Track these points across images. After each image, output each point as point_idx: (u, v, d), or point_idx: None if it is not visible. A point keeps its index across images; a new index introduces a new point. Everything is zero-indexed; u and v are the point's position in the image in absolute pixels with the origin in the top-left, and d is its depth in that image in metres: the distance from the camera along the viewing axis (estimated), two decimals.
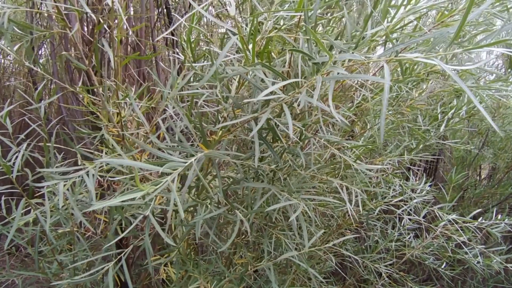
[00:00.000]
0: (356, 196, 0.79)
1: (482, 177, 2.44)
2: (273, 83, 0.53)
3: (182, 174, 0.57)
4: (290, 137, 0.75)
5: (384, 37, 0.61)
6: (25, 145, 0.96)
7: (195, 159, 0.52)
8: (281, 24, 0.66)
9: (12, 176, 0.91)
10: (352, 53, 0.50)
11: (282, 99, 0.53)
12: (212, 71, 0.53)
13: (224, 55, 0.52)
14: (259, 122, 0.52)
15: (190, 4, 1.85)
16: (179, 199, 0.49)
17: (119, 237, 0.68)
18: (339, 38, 0.71)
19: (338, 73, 0.49)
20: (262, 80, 0.60)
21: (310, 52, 0.52)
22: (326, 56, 0.50)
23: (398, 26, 0.63)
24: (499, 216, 1.51)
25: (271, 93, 0.49)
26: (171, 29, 1.49)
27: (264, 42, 0.60)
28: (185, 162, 0.50)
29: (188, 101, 0.90)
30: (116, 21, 0.86)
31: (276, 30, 0.62)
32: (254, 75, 0.60)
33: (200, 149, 0.59)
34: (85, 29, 1.62)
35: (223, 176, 0.81)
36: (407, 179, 1.53)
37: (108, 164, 0.97)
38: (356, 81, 1.04)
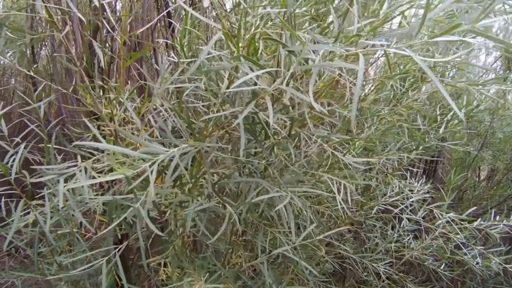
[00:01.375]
0: (349, 192, 0.79)
1: (481, 178, 2.44)
2: (258, 76, 0.54)
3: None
4: (280, 132, 0.75)
5: (370, 33, 0.62)
6: (23, 146, 0.96)
7: (178, 149, 0.52)
8: (270, 23, 0.67)
9: (10, 178, 0.91)
10: (332, 45, 0.51)
11: (265, 91, 0.54)
12: (196, 64, 0.54)
13: (209, 51, 0.53)
14: (244, 111, 0.53)
15: (190, 6, 1.86)
16: (162, 190, 0.49)
17: (116, 222, 0.69)
18: (325, 34, 0.72)
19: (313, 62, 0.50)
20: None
21: (291, 44, 0.52)
22: (301, 45, 0.50)
23: (384, 22, 0.64)
24: (498, 218, 1.51)
25: (255, 85, 0.50)
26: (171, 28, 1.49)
27: (250, 37, 0.61)
28: (168, 151, 0.51)
29: (177, 97, 0.91)
30: (119, 23, 0.86)
31: (261, 27, 0.63)
32: (241, 71, 0.61)
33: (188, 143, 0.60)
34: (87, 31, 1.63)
35: (214, 172, 0.82)
36: (406, 180, 1.53)
37: (109, 165, 0.97)
38: (349, 79, 1.04)
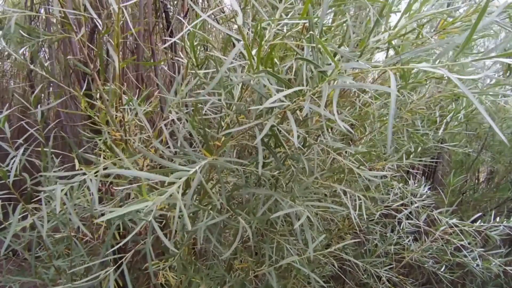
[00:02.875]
0: (360, 202, 0.78)
1: (481, 180, 2.44)
2: (278, 90, 0.52)
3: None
4: (293, 143, 0.75)
5: (385, 44, 0.61)
6: (21, 149, 0.95)
7: (199, 167, 0.51)
8: (285, 30, 0.66)
9: (8, 181, 0.90)
10: (357, 61, 0.50)
11: (286, 106, 0.53)
12: (217, 79, 0.53)
13: (230, 63, 0.52)
14: (263, 128, 0.52)
15: (188, 9, 1.85)
16: (183, 206, 0.48)
17: (118, 245, 0.68)
18: (342, 44, 0.71)
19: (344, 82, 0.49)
20: (266, 86, 0.60)
21: (316, 60, 0.52)
22: (332, 64, 0.49)
23: (400, 33, 0.63)
24: (498, 219, 1.50)
25: (276, 100, 0.49)
26: (175, 38, 1.49)
27: (267, 49, 0.60)
28: (189, 170, 0.50)
29: (190, 106, 0.90)
30: (113, 24, 0.85)
31: (281, 37, 0.62)
32: (258, 81, 0.59)
33: (203, 156, 0.58)
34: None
35: (225, 182, 0.81)
36: (406, 182, 1.53)
37: (106, 168, 0.96)
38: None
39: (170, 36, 1.74)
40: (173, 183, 0.48)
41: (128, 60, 0.94)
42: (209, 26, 2.07)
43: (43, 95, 2.27)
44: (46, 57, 2.27)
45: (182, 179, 0.47)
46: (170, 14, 1.84)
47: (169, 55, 1.74)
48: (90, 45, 1.24)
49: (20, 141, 1.03)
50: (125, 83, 1.67)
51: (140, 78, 1.77)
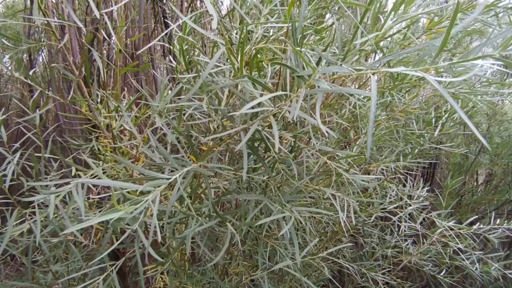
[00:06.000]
0: (349, 206, 0.78)
1: (479, 182, 2.43)
2: (262, 95, 0.53)
3: (174, 184, 0.57)
4: (281, 147, 0.75)
5: (372, 46, 0.61)
6: (18, 154, 0.95)
7: (180, 175, 0.51)
8: (271, 33, 0.66)
9: (4, 186, 0.91)
10: (340, 64, 0.50)
11: (270, 111, 0.53)
12: (198, 84, 0.53)
13: (212, 67, 0.53)
14: (248, 133, 0.52)
15: (187, 12, 1.86)
16: (164, 208, 0.48)
17: (111, 248, 0.68)
18: (330, 45, 0.71)
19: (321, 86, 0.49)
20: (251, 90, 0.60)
21: (297, 64, 0.52)
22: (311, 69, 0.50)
23: (387, 35, 0.63)
24: (498, 221, 1.49)
25: (259, 105, 0.49)
26: (160, 36, 1.50)
27: (253, 52, 0.60)
28: (169, 178, 0.49)
29: (177, 111, 0.90)
30: (115, 30, 0.86)
31: (265, 41, 0.62)
32: (243, 86, 0.60)
33: (189, 162, 0.58)
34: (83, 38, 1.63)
35: (214, 188, 0.81)
36: (404, 185, 1.52)
37: (105, 172, 0.96)
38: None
39: (170, 41, 1.75)
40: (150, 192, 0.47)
41: (126, 69, 0.95)
42: (207, 30, 2.08)
43: (42, 99, 2.28)
44: (46, 62, 2.28)
45: (160, 187, 0.47)
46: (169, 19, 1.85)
47: (167, 59, 1.74)
48: (91, 48, 1.25)
49: (17, 145, 1.03)
50: (125, 88, 1.68)
51: (140, 83, 1.78)
